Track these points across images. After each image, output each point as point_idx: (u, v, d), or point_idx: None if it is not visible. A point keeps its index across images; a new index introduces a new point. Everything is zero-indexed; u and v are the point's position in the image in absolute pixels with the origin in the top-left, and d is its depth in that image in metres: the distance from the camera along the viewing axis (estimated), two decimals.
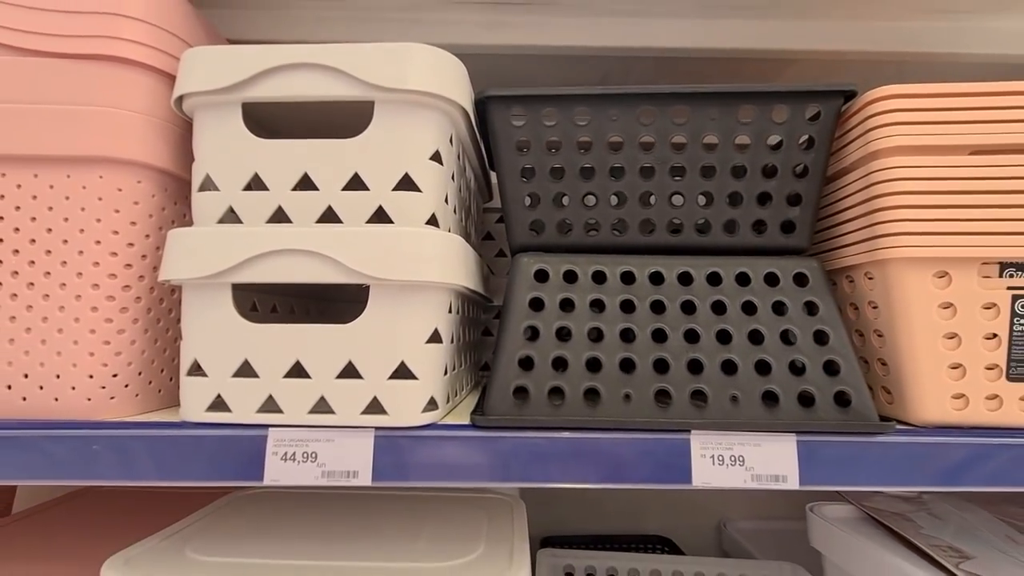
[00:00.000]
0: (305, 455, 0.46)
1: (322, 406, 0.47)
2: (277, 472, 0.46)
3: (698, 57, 0.75)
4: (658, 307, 0.51)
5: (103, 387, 0.49)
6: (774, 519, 1.04)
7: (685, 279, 0.51)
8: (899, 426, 0.50)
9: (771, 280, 0.51)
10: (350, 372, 0.47)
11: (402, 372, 0.47)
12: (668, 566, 0.79)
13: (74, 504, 0.81)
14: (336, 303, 0.78)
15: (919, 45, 0.70)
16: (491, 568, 0.51)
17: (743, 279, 0.51)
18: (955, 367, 0.48)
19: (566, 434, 0.47)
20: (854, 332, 0.56)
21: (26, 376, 0.49)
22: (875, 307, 0.52)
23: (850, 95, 0.52)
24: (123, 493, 0.87)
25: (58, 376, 0.49)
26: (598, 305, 0.51)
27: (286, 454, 0.46)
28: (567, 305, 0.51)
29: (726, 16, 0.70)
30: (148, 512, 0.77)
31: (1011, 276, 0.47)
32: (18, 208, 0.49)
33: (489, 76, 0.78)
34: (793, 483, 0.46)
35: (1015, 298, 0.47)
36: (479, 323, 0.75)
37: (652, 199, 0.53)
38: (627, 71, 0.80)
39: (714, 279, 0.51)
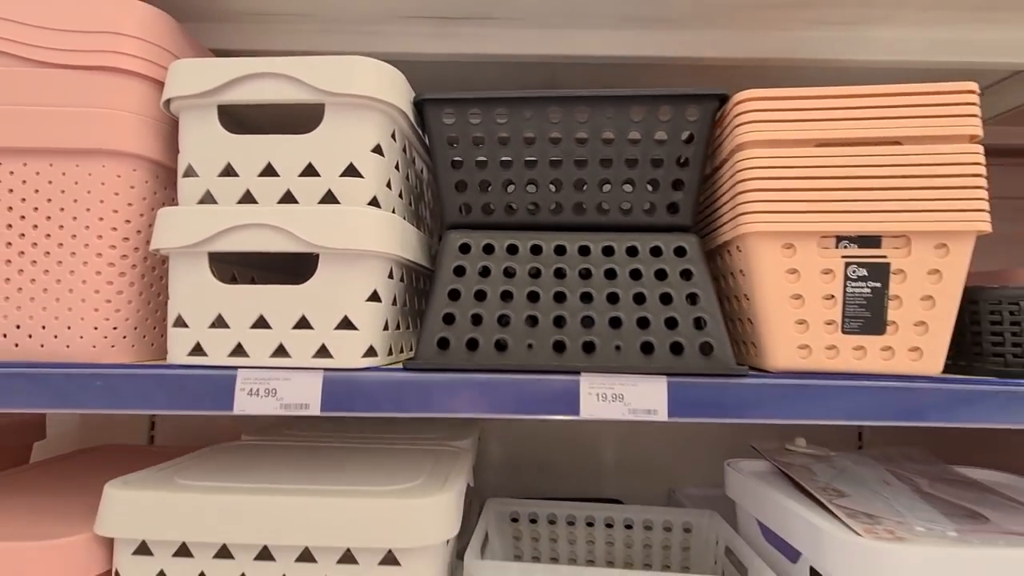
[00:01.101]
0: (266, 391, 0.57)
1: (281, 351, 0.58)
2: (244, 404, 0.57)
3: (631, 64, 0.85)
4: (560, 273, 0.61)
5: (105, 337, 0.60)
6: (718, 487, 1.14)
7: (584, 251, 0.62)
8: (755, 372, 0.60)
9: (656, 252, 0.62)
10: (303, 324, 0.58)
11: (346, 324, 0.58)
12: (601, 512, 0.89)
13: (82, 458, 0.93)
14: (303, 278, 0.88)
15: (819, 53, 0.80)
16: (425, 490, 0.62)
17: (632, 251, 0.62)
18: (800, 322, 0.58)
19: (479, 376, 0.58)
20: (733, 297, 0.66)
21: (43, 328, 0.60)
22: (742, 274, 0.62)
23: (724, 98, 0.62)
24: (126, 451, 0.98)
25: (69, 327, 0.60)
26: (510, 272, 0.61)
27: (251, 390, 0.57)
28: (485, 272, 0.61)
29: (648, 28, 0.80)
30: (148, 464, 0.88)
31: (845, 247, 0.57)
32: (37, 191, 0.60)
33: (446, 81, 0.89)
34: (663, 416, 0.57)
35: (847, 264, 0.57)
36: None
37: (560, 185, 0.64)
38: (571, 75, 0.90)
39: (608, 251, 0.62)
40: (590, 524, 0.89)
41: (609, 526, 0.89)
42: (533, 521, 0.90)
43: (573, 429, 1.18)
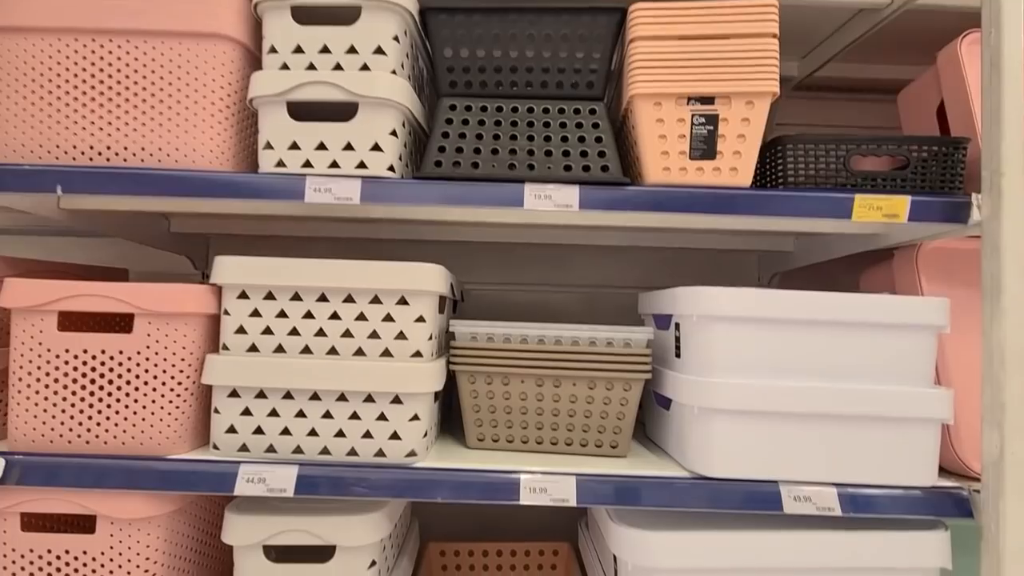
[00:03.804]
0: (326, 190, 0.90)
1: (334, 166, 0.91)
2: (311, 197, 0.90)
3: None
4: (514, 124, 0.94)
5: (216, 158, 0.93)
6: None
7: (530, 110, 0.95)
8: (636, 184, 0.94)
9: (576, 111, 0.95)
10: (349, 147, 0.91)
11: (376, 148, 0.91)
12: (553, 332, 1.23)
13: None
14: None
15: None
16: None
17: (561, 111, 0.95)
18: (664, 153, 0.92)
19: (460, 182, 0.91)
20: (632, 144, 1.00)
21: (176, 149, 0.92)
22: (634, 128, 0.95)
23: (624, 12, 0.94)
24: None
25: (194, 150, 0.92)
26: (481, 122, 0.94)
27: (315, 189, 0.90)
28: (465, 122, 0.94)
29: None
30: None
31: (692, 104, 0.91)
32: (171, 60, 0.92)
33: None
34: (576, 208, 0.90)
35: (693, 115, 0.91)
36: None
37: (515, 68, 0.96)
38: None
39: (546, 110, 0.95)
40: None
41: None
42: None
43: (545, 299, 1.52)
